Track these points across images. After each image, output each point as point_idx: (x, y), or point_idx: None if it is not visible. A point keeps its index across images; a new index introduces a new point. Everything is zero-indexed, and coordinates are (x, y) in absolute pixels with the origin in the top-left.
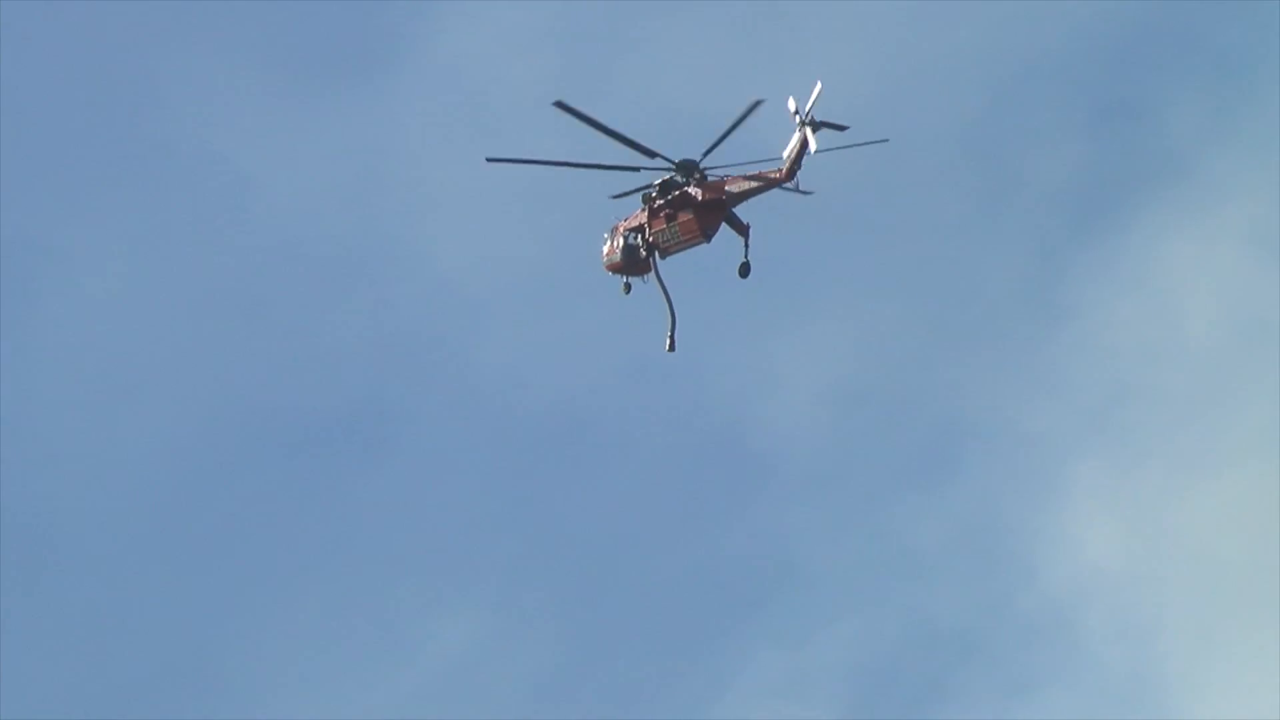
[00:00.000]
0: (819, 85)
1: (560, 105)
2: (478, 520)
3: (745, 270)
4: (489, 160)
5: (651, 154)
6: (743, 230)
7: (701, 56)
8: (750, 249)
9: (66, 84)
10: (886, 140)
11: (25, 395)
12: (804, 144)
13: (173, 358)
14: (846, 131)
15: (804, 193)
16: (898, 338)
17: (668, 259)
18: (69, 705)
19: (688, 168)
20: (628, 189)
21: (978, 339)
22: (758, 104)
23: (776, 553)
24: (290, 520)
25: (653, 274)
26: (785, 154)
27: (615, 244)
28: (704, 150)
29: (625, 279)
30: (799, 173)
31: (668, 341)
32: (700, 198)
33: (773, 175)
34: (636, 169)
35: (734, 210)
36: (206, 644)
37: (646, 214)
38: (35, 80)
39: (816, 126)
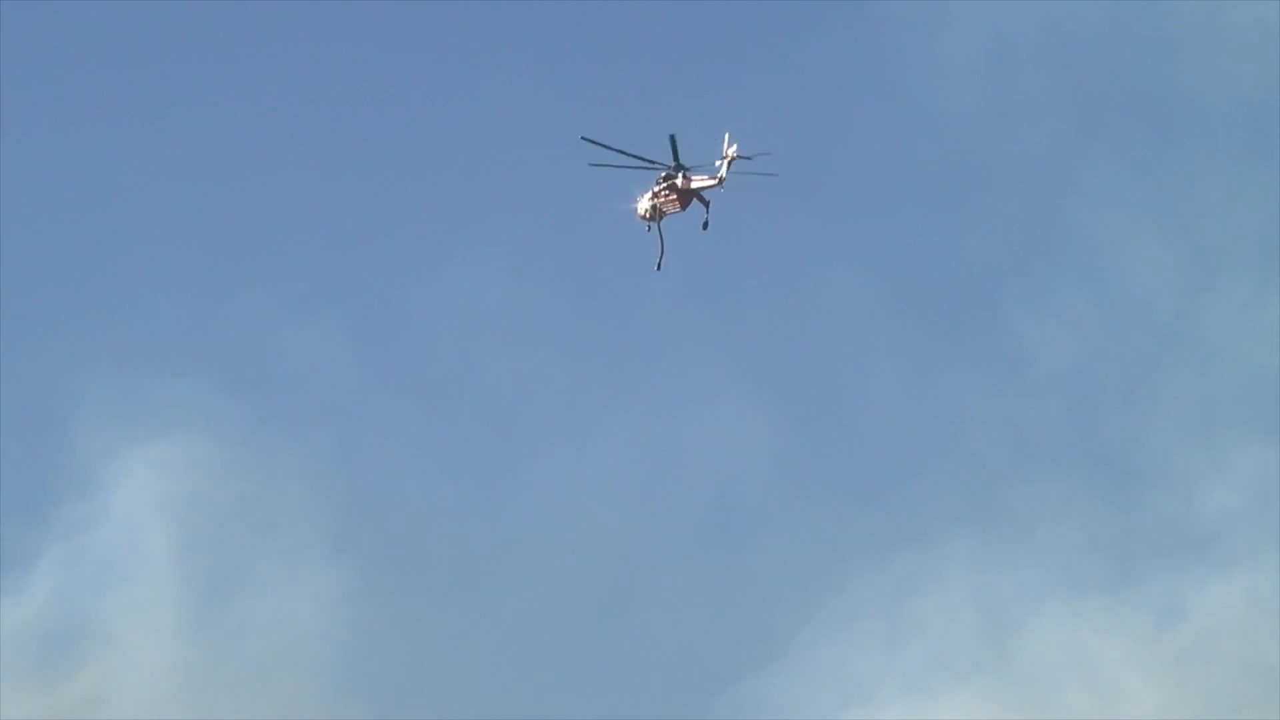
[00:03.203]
0: (727, 134)
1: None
2: None
3: (705, 225)
4: (583, 139)
5: (656, 162)
6: (705, 204)
7: None
8: (710, 214)
9: None
10: (775, 175)
11: None
12: (729, 165)
13: None
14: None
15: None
16: None
17: (664, 218)
18: None
19: (678, 168)
20: (643, 168)
21: None
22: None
23: None
24: None
25: (657, 225)
26: (719, 172)
27: (642, 204)
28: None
29: (647, 224)
30: (726, 181)
31: (657, 264)
32: (680, 186)
33: (712, 182)
34: (653, 164)
35: (701, 193)
36: None
37: (653, 192)
38: None
39: (735, 158)
